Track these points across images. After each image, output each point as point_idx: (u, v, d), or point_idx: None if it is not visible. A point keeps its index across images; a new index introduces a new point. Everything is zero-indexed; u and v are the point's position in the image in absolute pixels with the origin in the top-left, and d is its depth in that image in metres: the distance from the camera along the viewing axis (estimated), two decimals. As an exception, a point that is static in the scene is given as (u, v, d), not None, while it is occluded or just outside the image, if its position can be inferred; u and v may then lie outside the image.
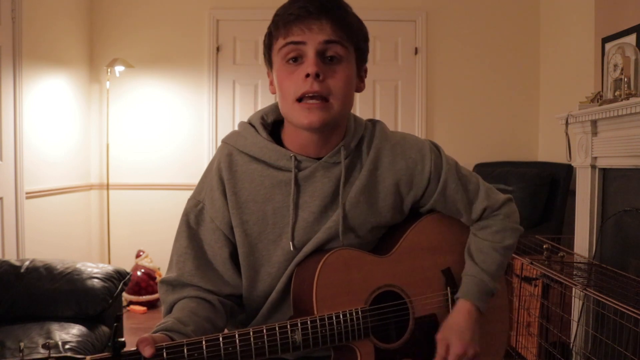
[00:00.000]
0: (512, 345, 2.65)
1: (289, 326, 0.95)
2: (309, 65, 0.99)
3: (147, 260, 3.83)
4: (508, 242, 1.18)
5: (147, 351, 0.82)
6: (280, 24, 1.01)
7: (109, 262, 3.90)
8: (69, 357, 0.79)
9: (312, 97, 1.00)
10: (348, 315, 1.01)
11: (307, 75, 0.99)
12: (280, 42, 1.02)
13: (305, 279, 1.05)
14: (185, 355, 0.85)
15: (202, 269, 1.07)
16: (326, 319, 0.98)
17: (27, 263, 2.12)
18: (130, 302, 3.71)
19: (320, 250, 1.08)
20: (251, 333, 0.91)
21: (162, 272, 3.85)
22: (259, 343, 0.91)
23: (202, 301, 1.04)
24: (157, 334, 0.89)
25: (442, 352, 1.09)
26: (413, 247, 1.13)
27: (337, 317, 1.00)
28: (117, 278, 2.15)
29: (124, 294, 3.59)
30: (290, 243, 1.07)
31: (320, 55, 1.00)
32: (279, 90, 1.05)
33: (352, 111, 1.17)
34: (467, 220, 1.19)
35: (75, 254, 3.66)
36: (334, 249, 1.05)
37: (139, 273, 3.73)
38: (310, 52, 0.99)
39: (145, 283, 3.72)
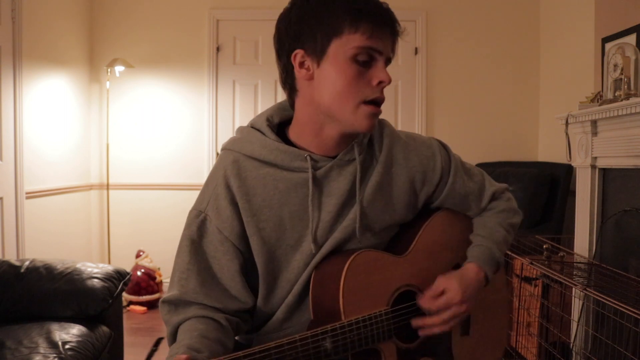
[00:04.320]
0: (512, 345, 2.65)
1: (320, 334, 0.92)
2: (385, 74, 0.97)
3: (147, 260, 3.83)
4: (512, 220, 1.22)
5: (182, 357, 0.79)
6: (364, 19, 0.95)
7: (109, 262, 3.90)
8: None
9: (377, 104, 0.99)
10: (374, 318, 1.00)
11: (380, 83, 0.97)
12: (358, 39, 0.95)
13: (327, 281, 1.02)
14: None
15: (207, 286, 1.01)
16: (354, 324, 0.97)
17: (27, 263, 2.12)
18: (130, 302, 3.71)
19: (337, 250, 1.06)
20: (285, 345, 0.88)
21: (162, 272, 3.85)
22: (293, 354, 0.88)
23: (210, 321, 0.98)
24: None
25: (434, 292, 1.06)
26: (427, 247, 1.14)
27: (364, 320, 0.98)
28: (117, 278, 2.15)
29: (124, 294, 3.59)
30: (312, 245, 1.03)
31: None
32: (339, 87, 0.97)
33: None
34: (476, 210, 1.21)
35: (75, 254, 3.66)
36: (355, 251, 1.03)
37: (139, 273, 3.73)
38: (381, 60, 0.98)
39: (145, 283, 3.72)
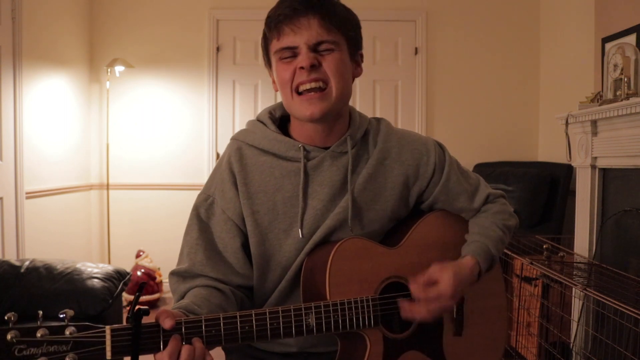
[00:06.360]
0: (512, 345, 2.65)
1: (303, 309, 0.97)
2: (303, 58, 1.04)
3: (147, 260, 3.83)
4: (508, 222, 1.22)
5: (167, 323, 0.84)
6: (272, 25, 1.07)
7: (109, 262, 3.90)
8: (88, 325, 0.80)
9: (310, 90, 1.05)
10: (359, 302, 1.03)
11: (302, 68, 1.04)
12: (275, 44, 1.07)
13: (317, 266, 1.06)
14: (204, 331, 0.88)
15: (213, 260, 1.09)
16: (339, 305, 1.01)
17: (27, 263, 2.12)
18: (131, 302, 3.71)
19: (329, 238, 1.11)
20: (267, 313, 0.94)
21: (162, 272, 3.85)
22: (274, 324, 0.94)
23: (214, 290, 1.05)
24: (174, 310, 0.92)
25: (427, 280, 1.04)
26: (420, 241, 1.16)
27: (350, 303, 1.02)
28: (117, 278, 2.15)
29: (124, 294, 3.59)
30: (300, 231, 1.09)
31: (313, 49, 1.05)
32: (279, 85, 1.10)
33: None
34: (470, 211, 1.22)
35: (75, 254, 3.66)
36: (346, 237, 1.07)
37: (139, 273, 3.73)
38: (302, 49, 1.04)
39: (145, 283, 3.72)
